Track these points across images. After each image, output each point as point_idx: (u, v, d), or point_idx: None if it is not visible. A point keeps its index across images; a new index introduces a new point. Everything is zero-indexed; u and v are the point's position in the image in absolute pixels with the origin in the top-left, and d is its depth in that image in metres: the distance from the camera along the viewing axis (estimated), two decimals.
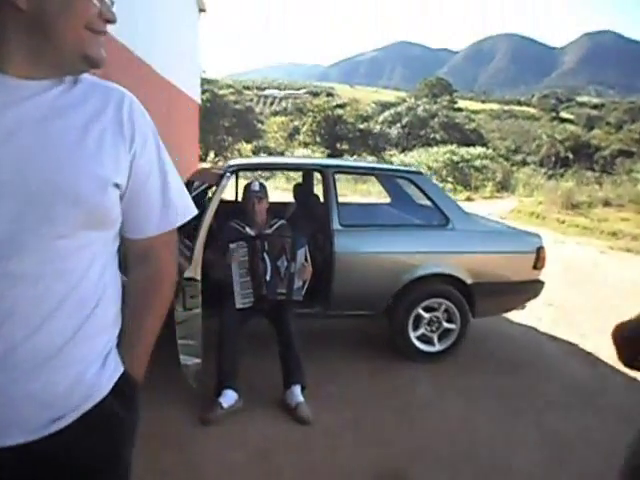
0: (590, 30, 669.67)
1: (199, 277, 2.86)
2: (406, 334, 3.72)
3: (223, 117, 38.46)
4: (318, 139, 38.98)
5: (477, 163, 22.42)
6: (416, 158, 25.23)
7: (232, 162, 3.97)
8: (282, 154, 33.25)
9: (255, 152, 33.41)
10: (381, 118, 44.97)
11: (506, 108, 78.78)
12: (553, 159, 40.77)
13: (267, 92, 78.21)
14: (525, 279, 3.91)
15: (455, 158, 22.23)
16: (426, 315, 3.74)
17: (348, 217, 3.74)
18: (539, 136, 46.58)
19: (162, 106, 10.84)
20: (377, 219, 4.57)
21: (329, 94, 65.63)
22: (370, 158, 29.92)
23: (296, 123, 45.41)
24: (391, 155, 30.82)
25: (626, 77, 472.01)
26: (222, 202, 3.25)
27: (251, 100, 59.11)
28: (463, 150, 23.79)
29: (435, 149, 26.14)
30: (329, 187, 3.73)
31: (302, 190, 4.97)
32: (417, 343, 3.76)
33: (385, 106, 50.48)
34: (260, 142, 40.56)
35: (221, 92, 42.05)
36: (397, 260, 3.65)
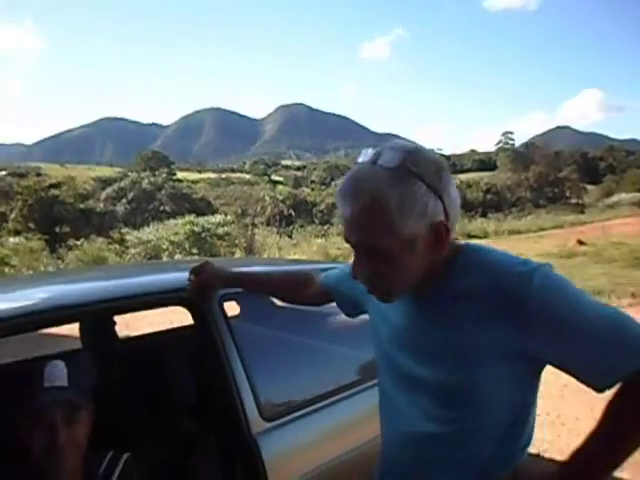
0: (285, 103, 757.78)
1: None
2: None
3: None
4: (32, 225, 34.48)
5: (220, 231, 22.17)
6: (154, 233, 23.78)
7: None
8: None
9: None
10: (104, 195, 42.32)
11: (223, 176, 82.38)
12: (278, 218, 43.52)
13: None
14: None
15: (196, 229, 21.54)
16: None
17: (271, 387, 1.83)
18: (262, 198, 49.41)
19: None
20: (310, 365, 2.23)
21: (38, 174, 59.41)
22: (100, 239, 27.39)
23: (1, 209, 39.77)
24: (123, 233, 28.68)
25: (318, 141, 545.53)
26: None
27: None
28: (202, 220, 23.27)
29: (173, 222, 25.09)
30: (217, 330, 1.72)
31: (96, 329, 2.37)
32: None
33: (106, 182, 47.75)
34: None
35: None
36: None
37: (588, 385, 0.97)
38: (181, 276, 1.74)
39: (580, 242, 16.84)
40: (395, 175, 0.98)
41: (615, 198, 49.60)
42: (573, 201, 50.69)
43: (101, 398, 1.48)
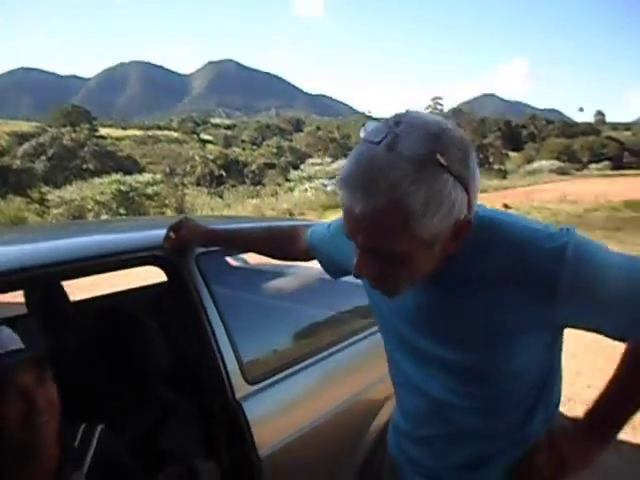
0: (214, 59, 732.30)
1: None
2: None
3: None
4: None
5: (149, 191, 21.41)
6: (77, 193, 22.67)
7: None
8: None
9: None
10: (21, 151, 39.65)
11: (150, 133, 78.81)
12: (208, 178, 42.46)
13: None
14: None
15: (123, 188, 20.69)
16: None
17: (253, 348, 1.74)
18: (191, 158, 47.97)
19: None
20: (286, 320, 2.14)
21: None
22: (18, 199, 25.80)
23: None
24: (43, 192, 27.05)
25: (248, 100, 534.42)
26: None
27: None
28: (130, 179, 22.34)
29: (98, 180, 23.97)
30: (196, 290, 1.58)
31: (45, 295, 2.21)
32: None
33: (23, 138, 44.72)
34: None
35: None
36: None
37: (611, 338, 0.95)
38: (153, 234, 1.65)
39: (506, 206, 17.58)
40: (419, 167, 0.79)
41: (535, 165, 52.03)
42: (496, 167, 52.63)
43: (60, 367, 1.33)
